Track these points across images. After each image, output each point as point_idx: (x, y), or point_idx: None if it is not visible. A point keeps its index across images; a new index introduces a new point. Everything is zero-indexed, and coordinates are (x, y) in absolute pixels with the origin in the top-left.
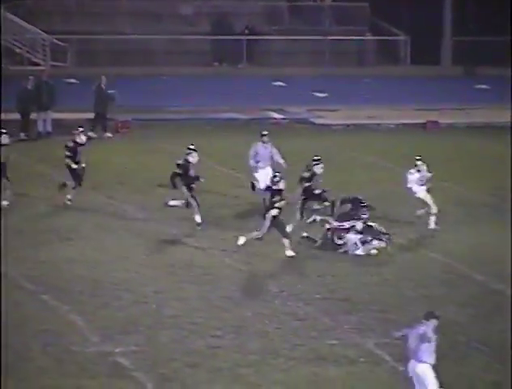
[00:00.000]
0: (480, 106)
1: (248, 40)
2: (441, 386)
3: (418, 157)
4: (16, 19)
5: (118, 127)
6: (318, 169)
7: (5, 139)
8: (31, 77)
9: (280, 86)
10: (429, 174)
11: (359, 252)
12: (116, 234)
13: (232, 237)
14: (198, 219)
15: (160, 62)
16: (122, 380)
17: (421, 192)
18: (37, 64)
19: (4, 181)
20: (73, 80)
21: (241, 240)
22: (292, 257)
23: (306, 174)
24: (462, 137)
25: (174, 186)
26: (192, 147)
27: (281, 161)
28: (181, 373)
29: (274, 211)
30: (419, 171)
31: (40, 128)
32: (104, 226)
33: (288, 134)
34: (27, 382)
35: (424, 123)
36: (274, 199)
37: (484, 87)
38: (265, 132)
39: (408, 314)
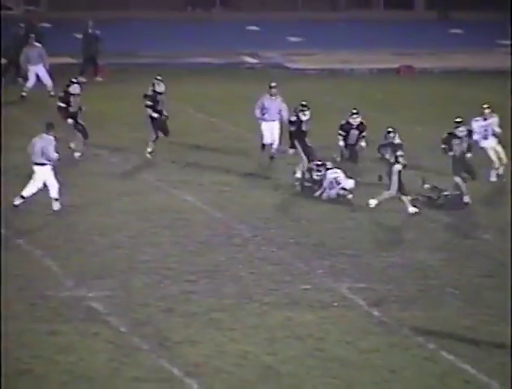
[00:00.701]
0: (454, 51)
1: None
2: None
3: (485, 105)
4: None
5: (92, 72)
6: (304, 116)
7: (75, 89)
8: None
9: (254, 30)
10: (497, 129)
11: (333, 192)
12: (90, 179)
13: (206, 183)
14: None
15: (134, 7)
16: (96, 324)
17: (485, 143)
18: (9, 8)
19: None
20: (46, 24)
21: (373, 202)
22: (415, 213)
23: (293, 119)
24: (436, 82)
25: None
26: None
27: (286, 118)
28: (154, 317)
29: (399, 166)
30: (485, 119)
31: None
32: (79, 171)
33: (263, 78)
34: (0, 326)
35: (398, 68)
36: (397, 154)
37: (458, 31)
38: (273, 84)
39: (382, 259)
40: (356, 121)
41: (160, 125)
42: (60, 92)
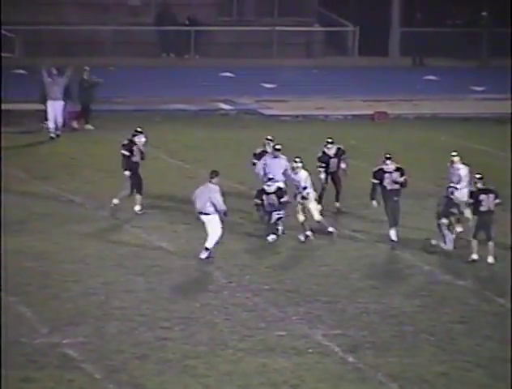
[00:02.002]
0: (428, 97)
1: (196, 30)
2: None
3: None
4: None
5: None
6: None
7: (140, 139)
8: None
9: (228, 77)
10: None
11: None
12: (64, 225)
13: (181, 229)
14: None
15: (108, 53)
16: (70, 371)
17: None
18: None
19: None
20: (21, 71)
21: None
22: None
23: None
24: (410, 128)
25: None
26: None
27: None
28: (129, 364)
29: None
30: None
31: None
32: (52, 217)
33: (237, 125)
34: None
35: (373, 114)
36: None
37: (432, 78)
38: (278, 146)
39: (357, 305)
40: (331, 150)
41: (135, 179)
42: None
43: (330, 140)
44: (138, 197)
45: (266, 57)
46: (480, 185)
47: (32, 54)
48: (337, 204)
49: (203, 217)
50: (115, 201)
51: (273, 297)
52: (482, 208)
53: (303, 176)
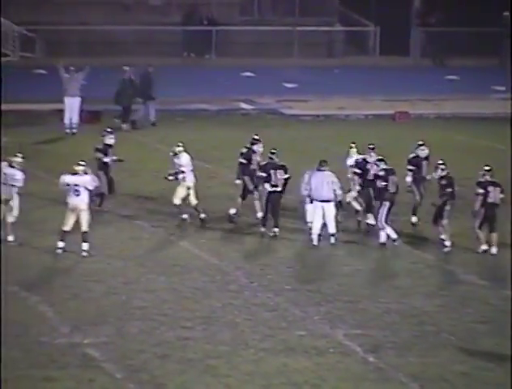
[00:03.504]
0: (449, 97)
1: (217, 30)
2: None
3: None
4: None
5: (87, 118)
6: (422, 153)
7: (110, 140)
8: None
9: (250, 76)
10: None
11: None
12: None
13: (201, 228)
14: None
15: (129, 53)
16: (91, 371)
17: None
18: (6, 54)
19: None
20: (42, 71)
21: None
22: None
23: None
24: (431, 128)
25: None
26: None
27: (339, 192)
28: (150, 364)
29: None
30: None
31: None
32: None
33: (258, 124)
34: None
35: (394, 114)
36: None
37: (453, 77)
38: (324, 162)
39: (378, 305)
40: (423, 153)
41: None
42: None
43: (421, 142)
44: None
45: (287, 57)
46: (488, 178)
47: (52, 54)
48: (413, 219)
49: (323, 204)
50: None
51: (294, 296)
52: (489, 200)
53: (184, 160)
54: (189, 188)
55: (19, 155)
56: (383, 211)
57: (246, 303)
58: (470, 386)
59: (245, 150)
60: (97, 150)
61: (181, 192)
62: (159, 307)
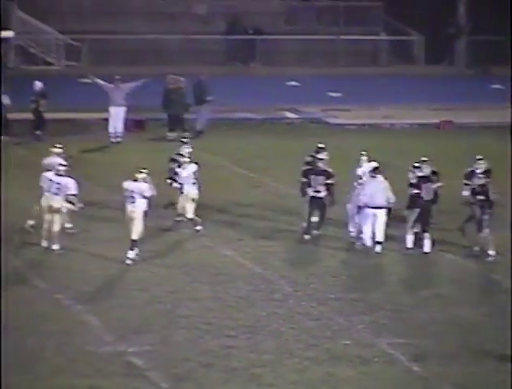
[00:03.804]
0: (493, 106)
1: (261, 39)
2: None
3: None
4: (31, 19)
5: (131, 127)
6: (480, 167)
7: (5, 99)
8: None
9: (294, 86)
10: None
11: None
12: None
13: (246, 237)
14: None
15: (174, 62)
16: (136, 380)
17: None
18: (51, 64)
19: None
20: (87, 80)
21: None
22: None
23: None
24: (475, 137)
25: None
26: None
27: (392, 199)
28: (195, 373)
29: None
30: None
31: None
32: (119, 226)
33: (303, 133)
34: (41, 382)
35: (438, 123)
36: None
37: (498, 87)
38: (376, 164)
39: (422, 314)
40: (480, 167)
41: None
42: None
43: (480, 157)
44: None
45: (332, 66)
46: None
47: (97, 63)
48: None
49: (376, 211)
50: None
51: (338, 305)
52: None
53: (186, 172)
54: (193, 200)
55: (63, 162)
56: (412, 217)
57: (290, 312)
58: None
59: (309, 158)
60: (172, 160)
61: (185, 204)
62: (203, 316)
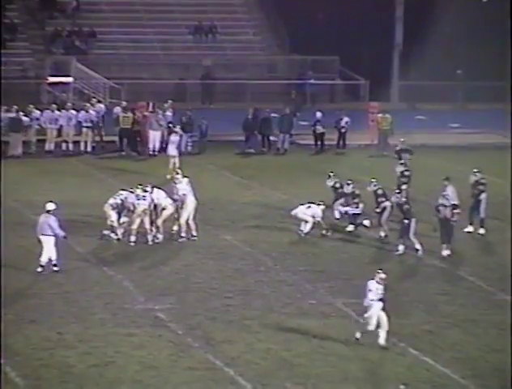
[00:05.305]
0: (419, 132)
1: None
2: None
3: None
4: (85, 68)
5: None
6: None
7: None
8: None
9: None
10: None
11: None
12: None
13: (240, 226)
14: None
15: (192, 100)
16: (161, 329)
17: None
18: (100, 101)
19: None
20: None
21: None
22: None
23: None
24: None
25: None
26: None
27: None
28: (202, 324)
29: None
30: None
31: (279, 145)
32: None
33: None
34: (92, 330)
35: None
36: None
37: (422, 117)
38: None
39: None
40: None
41: None
42: None
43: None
44: None
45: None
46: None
47: (132, 101)
48: (481, 231)
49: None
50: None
51: (307, 275)
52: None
53: (182, 185)
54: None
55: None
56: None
57: (272, 280)
58: (433, 340)
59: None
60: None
61: (189, 212)
62: (209, 283)
